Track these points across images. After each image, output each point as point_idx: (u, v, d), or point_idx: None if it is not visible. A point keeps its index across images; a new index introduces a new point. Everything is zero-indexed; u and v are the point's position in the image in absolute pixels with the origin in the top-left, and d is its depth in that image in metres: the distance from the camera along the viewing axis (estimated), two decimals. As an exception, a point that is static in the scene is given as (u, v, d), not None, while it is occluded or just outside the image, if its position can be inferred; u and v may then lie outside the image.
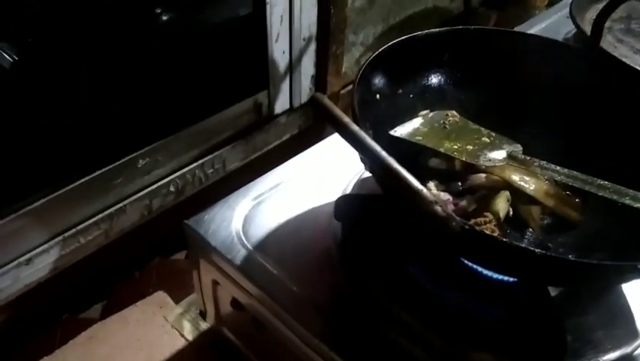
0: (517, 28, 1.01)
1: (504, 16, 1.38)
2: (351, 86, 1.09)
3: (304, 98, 0.92)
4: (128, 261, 0.81)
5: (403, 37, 0.58)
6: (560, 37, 0.99)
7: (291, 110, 0.92)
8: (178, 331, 0.73)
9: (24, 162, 0.64)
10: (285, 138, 0.93)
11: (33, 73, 0.67)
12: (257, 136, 0.88)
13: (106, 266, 0.79)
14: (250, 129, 0.87)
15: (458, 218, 0.35)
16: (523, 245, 0.36)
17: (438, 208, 0.32)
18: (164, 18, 0.88)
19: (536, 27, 1.02)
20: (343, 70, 0.99)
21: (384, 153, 0.34)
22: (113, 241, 0.77)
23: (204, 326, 0.73)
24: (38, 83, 0.67)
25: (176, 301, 0.78)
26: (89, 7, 0.70)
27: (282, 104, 0.90)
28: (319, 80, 0.92)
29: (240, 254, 0.55)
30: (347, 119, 0.36)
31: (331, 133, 0.67)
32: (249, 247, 0.56)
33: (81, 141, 0.68)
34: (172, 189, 0.79)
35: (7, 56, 0.70)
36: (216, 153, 0.82)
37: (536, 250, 0.36)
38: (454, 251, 0.43)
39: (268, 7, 0.77)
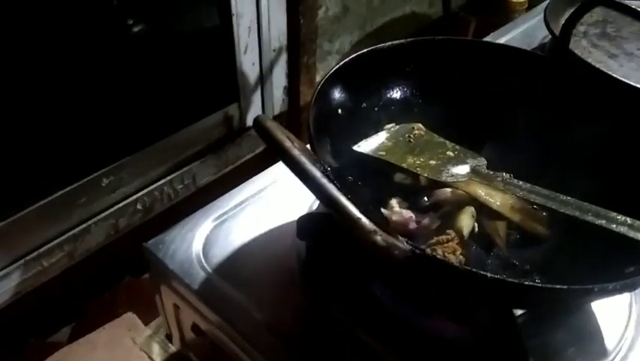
0: (493, 34, 1.00)
1: (483, 21, 1.38)
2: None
3: (277, 109, 0.91)
4: (98, 281, 0.79)
5: (364, 50, 0.56)
6: (536, 42, 0.98)
7: (264, 122, 0.91)
8: (147, 354, 0.71)
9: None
10: (258, 151, 0.92)
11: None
12: (229, 150, 0.86)
13: (75, 287, 0.77)
14: (221, 143, 0.85)
15: (405, 244, 0.33)
16: (475, 269, 0.34)
17: (377, 238, 0.30)
18: (135, 30, 0.87)
19: (513, 32, 1.01)
20: (318, 79, 0.98)
21: (323, 180, 0.32)
22: (81, 260, 0.75)
23: (173, 348, 0.71)
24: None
25: (146, 322, 0.76)
26: (57, 15, 0.68)
27: (254, 116, 0.88)
28: (292, 91, 0.91)
29: (198, 278, 0.53)
30: (288, 144, 0.34)
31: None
32: (209, 270, 0.54)
33: (40, 159, 0.66)
34: (139, 207, 0.77)
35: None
36: (186, 169, 0.81)
37: (488, 275, 0.35)
38: (405, 277, 0.42)
39: (234, 18, 0.75)
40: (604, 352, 0.48)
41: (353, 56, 0.56)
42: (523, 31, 1.01)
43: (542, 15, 0.98)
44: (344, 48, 1.07)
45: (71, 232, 0.70)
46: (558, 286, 0.35)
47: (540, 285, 0.35)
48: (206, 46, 0.79)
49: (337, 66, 0.54)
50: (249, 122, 0.88)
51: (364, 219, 0.30)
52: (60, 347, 0.73)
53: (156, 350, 0.72)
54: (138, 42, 0.83)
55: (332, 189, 0.32)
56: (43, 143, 0.66)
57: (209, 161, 0.84)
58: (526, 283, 0.36)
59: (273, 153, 0.34)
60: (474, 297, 0.42)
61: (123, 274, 0.82)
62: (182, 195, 0.82)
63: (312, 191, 0.33)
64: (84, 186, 0.69)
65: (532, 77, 0.60)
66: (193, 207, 0.60)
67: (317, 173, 0.32)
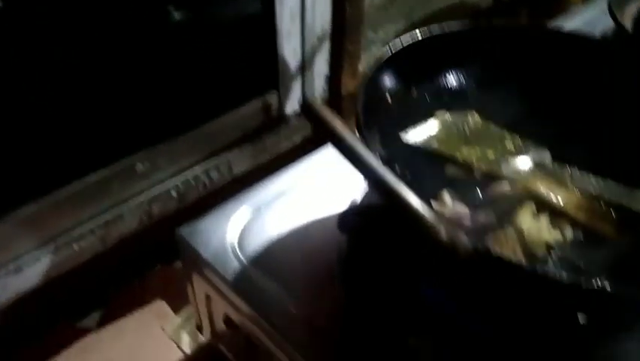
0: (549, 25, 0.94)
1: (535, 12, 1.31)
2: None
3: (317, 98, 0.87)
4: (129, 268, 0.77)
5: (419, 38, 0.52)
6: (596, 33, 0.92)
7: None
8: (176, 343, 0.69)
9: (12, 165, 0.61)
10: (296, 141, 0.88)
11: (29, 68, 0.63)
12: (266, 139, 0.83)
13: (106, 273, 0.75)
14: (259, 132, 0.82)
15: (468, 241, 0.29)
16: (547, 268, 0.30)
17: (442, 232, 0.26)
18: (175, 15, 0.85)
19: (570, 23, 0.95)
20: (360, 69, 0.94)
21: (382, 169, 0.28)
22: (113, 246, 0.73)
23: (203, 339, 0.68)
24: (34, 77, 0.63)
25: (176, 310, 0.74)
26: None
27: (292, 104, 0.85)
28: (333, 80, 0.87)
29: (233, 268, 0.50)
30: (342, 130, 0.30)
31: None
32: (244, 260, 0.51)
33: (75, 142, 0.65)
34: (173, 194, 0.75)
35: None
36: (221, 157, 0.78)
37: (564, 278, 0.31)
38: (466, 276, 0.38)
39: (277, 3, 0.72)
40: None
41: (406, 43, 0.51)
42: (582, 24, 0.95)
43: (601, 6, 0.93)
44: (388, 37, 1.03)
45: (104, 217, 0.68)
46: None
47: (610, 291, 0.31)
48: (247, 32, 0.76)
49: (389, 53, 0.50)
50: (288, 110, 0.85)
51: (428, 212, 0.27)
52: (89, 332, 0.72)
53: (185, 340, 0.69)
54: (178, 28, 0.81)
55: (392, 178, 0.28)
56: (78, 125, 0.64)
57: (246, 150, 0.81)
58: (599, 287, 0.32)
59: (326, 139, 0.31)
60: (537, 300, 0.38)
61: (155, 262, 0.80)
62: (217, 183, 0.80)
63: (369, 180, 0.29)
64: (118, 170, 0.67)
65: (597, 66, 0.55)
66: (228, 196, 0.57)
67: (375, 161, 0.29)
